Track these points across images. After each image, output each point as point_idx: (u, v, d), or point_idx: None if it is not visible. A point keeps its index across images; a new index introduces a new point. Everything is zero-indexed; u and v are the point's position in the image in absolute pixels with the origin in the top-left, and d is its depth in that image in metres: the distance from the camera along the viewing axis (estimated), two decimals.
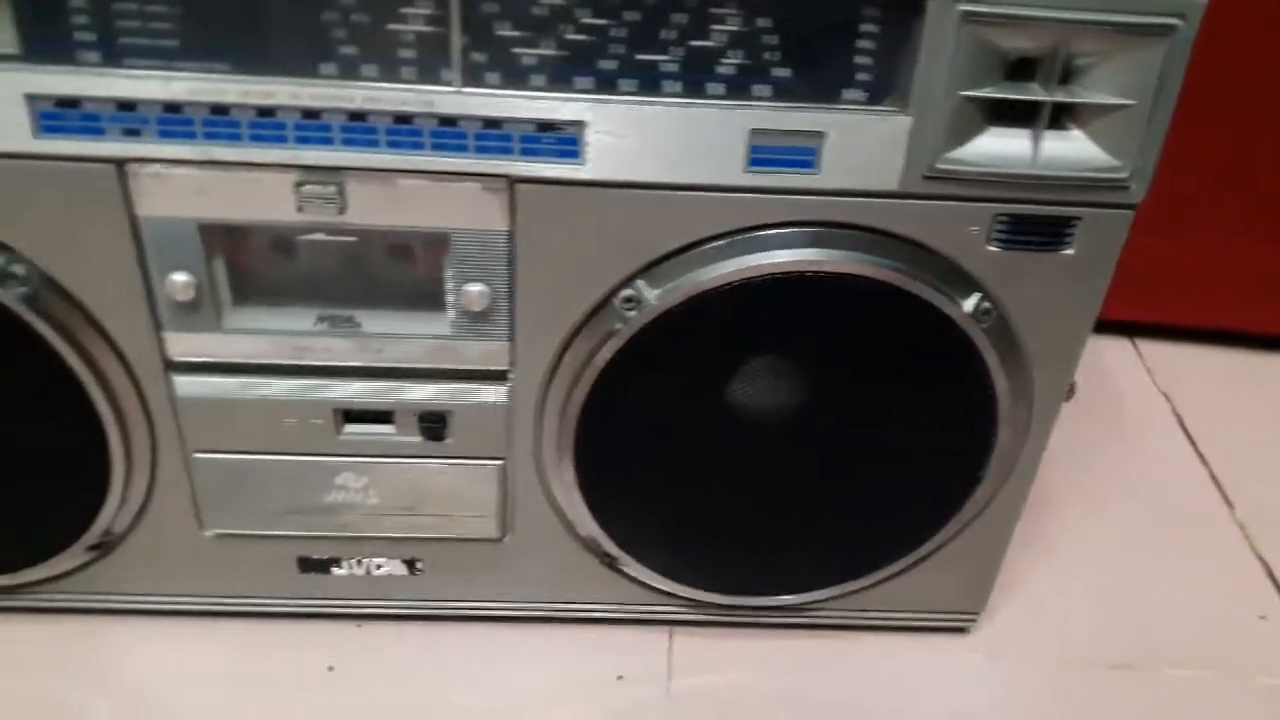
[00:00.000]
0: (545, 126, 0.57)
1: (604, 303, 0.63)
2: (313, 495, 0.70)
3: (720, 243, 0.61)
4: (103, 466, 0.67)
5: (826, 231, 0.61)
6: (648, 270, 0.62)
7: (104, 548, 0.72)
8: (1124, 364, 1.20)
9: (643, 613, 0.78)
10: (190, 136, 0.56)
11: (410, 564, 0.75)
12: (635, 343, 0.63)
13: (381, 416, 0.68)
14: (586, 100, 0.56)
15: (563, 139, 0.57)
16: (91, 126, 0.56)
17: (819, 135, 0.57)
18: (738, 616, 0.79)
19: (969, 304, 0.63)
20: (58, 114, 0.56)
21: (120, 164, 0.57)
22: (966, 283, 0.63)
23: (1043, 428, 0.70)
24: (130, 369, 0.64)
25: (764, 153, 0.58)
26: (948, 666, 0.80)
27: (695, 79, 0.56)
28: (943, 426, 0.68)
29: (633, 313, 0.62)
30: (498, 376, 0.67)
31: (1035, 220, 0.61)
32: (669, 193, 0.59)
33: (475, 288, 0.62)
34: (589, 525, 0.72)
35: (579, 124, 0.57)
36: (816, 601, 0.78)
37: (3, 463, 0.66)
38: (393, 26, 0.54)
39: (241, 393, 0.66)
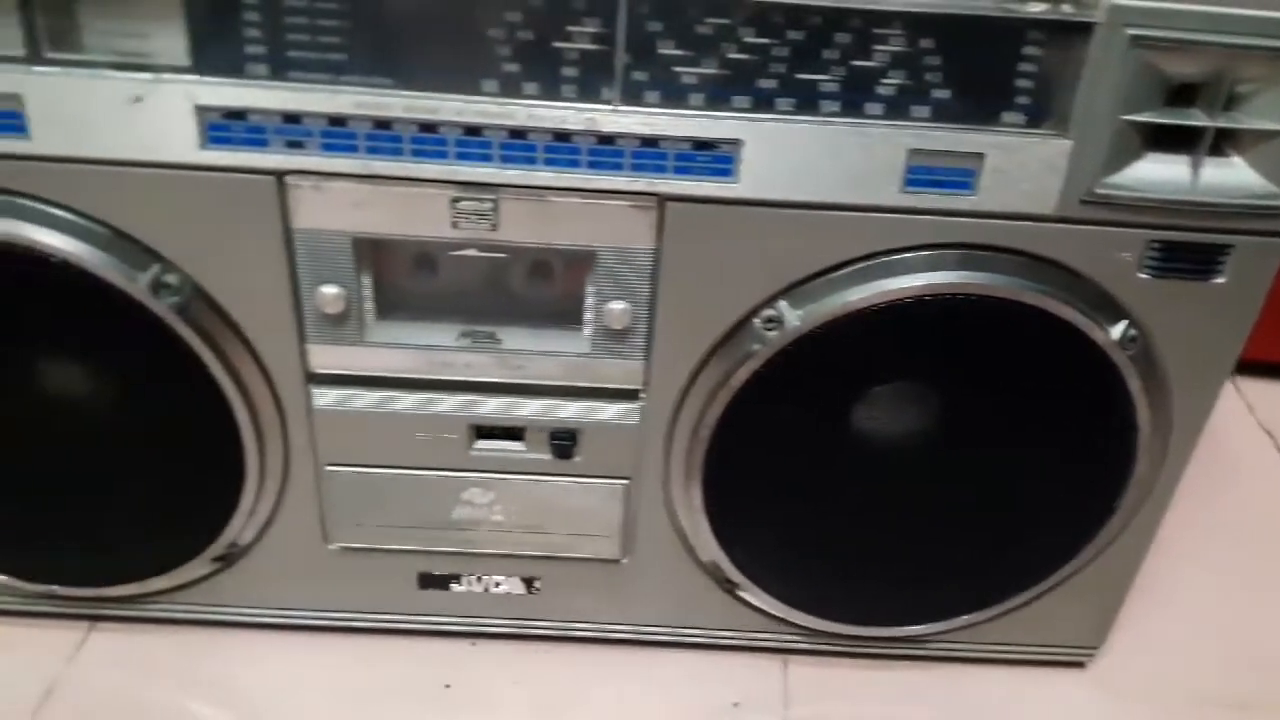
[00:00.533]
0: (701, 145, 0.57)
1: (743, 323, 0.63)
2: (439, 510, 0.70)
3: (866, 264, 0.61)
4: (236, 477, 0.67)
5: (975, 254, 0.60)
6: (790, 290, 0.62)
7: (228, 559, 0.73)
8: (1222, 400, 1.17)
9: (757, 640, 0.77)
10: (352, 150, 0.57)
11: (529, 582, 0.75)
12: (773, 364, 0.63)
13: (512, 433, 0.68)
14: (744, 119, 0.56)
15: (717, 157, 0.57)
16: (256, 138, 0.57)
17: (978, 157, 0.57)
18: (853, 646, 0.78)
19: (1116, 331, 0.62)
20: (224, 125, 0.56)
21: (281, 176, 0.58)
22: (1114, 309, 0.62)
23: (1179, 459, 0.69)
24: (271, 380, 0.65)
25: (921, 173, 0.58)
26: (1067, 702, 0.78)
27: (854, 99, 0.56)
28: (1080, 456, 0.67)
29: (773, 333, 0.62)
30: (630, 395, 0.66)
31: (1189, 247, 0.60)
32: (820, 212, 0.59)
33: (617, 305, 0.62)
34: (712, 549, 0.71)
35: (735, 142, 0.57)
36: (934, 633, 0.76)
37: (140, 471, 0.67)
38: (558, 45, 0.55)
39: (378, 406, 0.66)
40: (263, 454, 0.67)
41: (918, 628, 0.75)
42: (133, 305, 0.60)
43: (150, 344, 0.61)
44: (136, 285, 0.59)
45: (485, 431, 0.68)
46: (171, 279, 0.60)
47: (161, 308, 0.60)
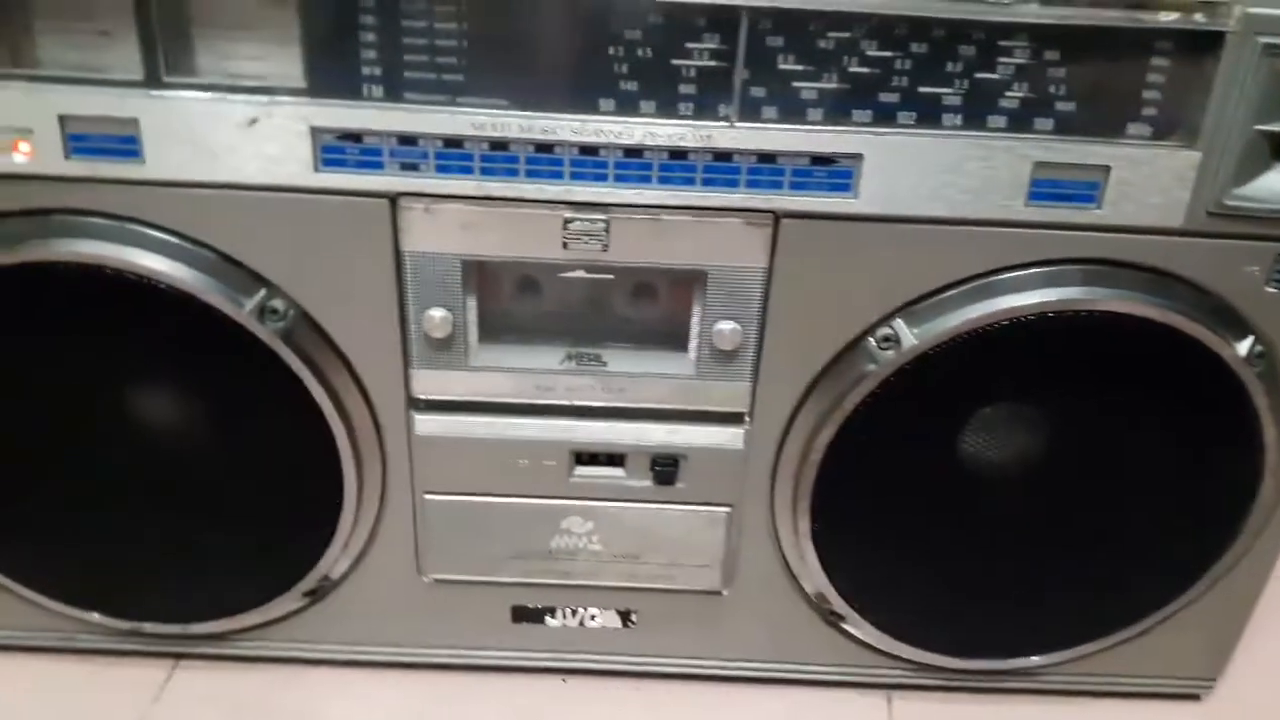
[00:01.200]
0: (819, 160, 0.56)
1: (856, 343, 0.61)
2: (537, 539, 0.69)
3: (986, 280, 0.59)
4: (334, 507, 0.66)
5: (1099, 269, 0.59)
6: (907, 308, 0.60)
7: (319, 593, 0.71)
8: None
9: (861, 675, 0.75)
10: (467, 171, 0.57)
11: (625, 616, 0.73)
12: (888, 386, 0.61)
13: (613, 459, 0.67)
14: (864, 133, 0.55)
15: (836, 172, 0.57)
16: (371, 160, 0.56)
17: (1104, 169, 0.56)
18: (960, 681, 0.75)
19: (1243, 347, 0.60)
20: (339, 147, 0.56)
21: (394, 198, 0.58)
22: (1240, 325, 0.60)
23: None
24: (372, 406, 0.64)
25: (1045, 187, 0.56)
26: None
27: (977, 111, 0.55)
28: (1203, 478, 0.65)
29: (889, 353, 0.60)
30: (736, 419, 0.65)
31: None
32: (940, 227, 0.58)
33: (726, 326, 0.61)
34: (817, 579, 0.69)
35: (854, 157, 0.56)
36: (1044, 666, 0.74)
37: (237, 501, 0.66)
38: (677, 62, 0.54)
39: (479, 432, 0.65)
40: (361, 482, 0.66)
41: (1027, 660, 0.73)
42: (237, 330, 0.59)
43: (254, 369, 0.61)
44: (242, 310, 0.59)
45: (586, 457, 0.67)
46: (278, 304, 0.60)
47: (266, 333, 0.60)
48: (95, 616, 0.71)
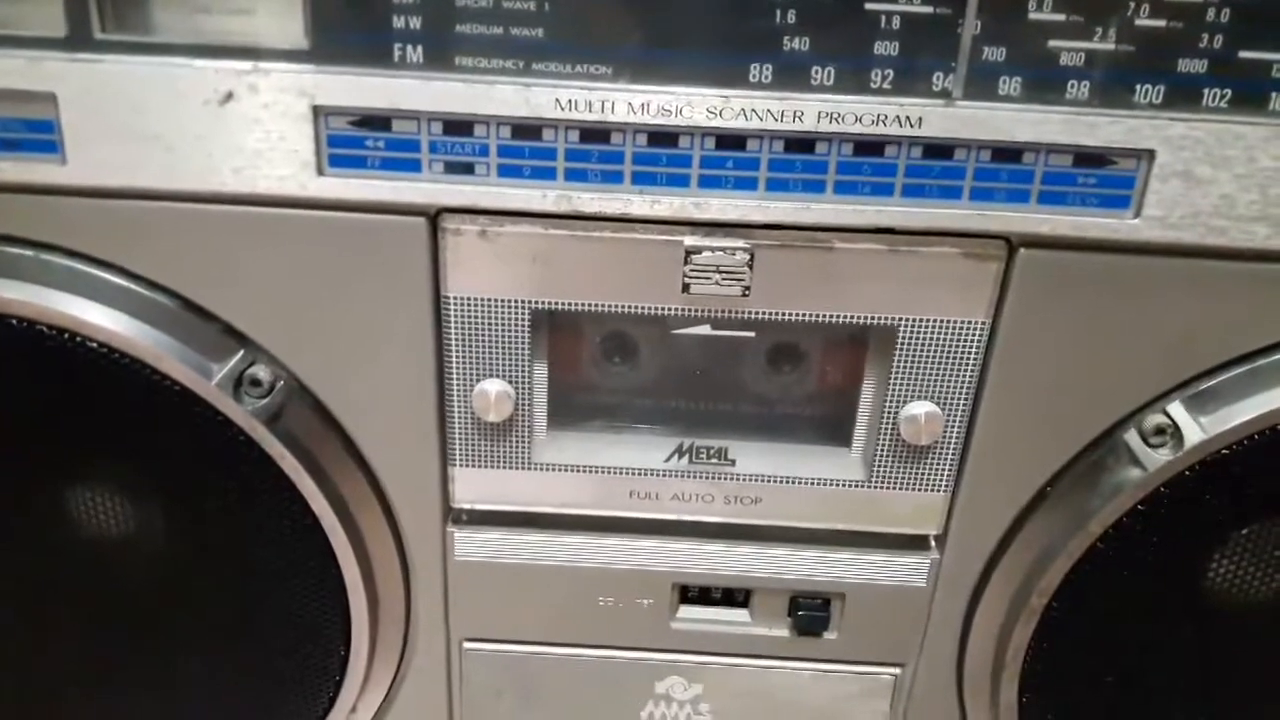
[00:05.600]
0: (1086, 158, 0.41)
1: (1110, 436, 0.46)
2: (621, 709, 0.54)
3: None
4: (336, 662, 0.51)
5: None
6: (1190, 386, 0.45)
7: None
8: None
9: None
10: (547, 176, 0.41)
11: None
12: (1160, 500, 0.45)
13: (734, 597, 0.51)
14: (1155, 118, 0.40)
15: (1109, 179, 0.41)
16: (402, 159, 0.41)
17: None
18: None
19: None
20: (355, 138, 0.41)
21: (434, 216, 0.42)
22: None
23: None
24: (395, 520, 0.50)
25: None
26: None
27: None
28: None
29: (1162, 452, 0.45)
30: (919, 544, 0.50)
31: None
32: (1259, 266, 0.42)
33: (920, 410, 0.45)
34: None
35: (1140, 155, 0.40)
36: None
37: (201, 652, 0.50)
38: (872, 6, 0.37)
39: (545, 556, 0.50)
40: (375, 626, 0.51)
41: None
42: (203, 410, 0.45)
43: (225, 466, 0.46)
44: (210, 382, 0.44)
45: (695, 595, 0.52)
46: (261, 373, 0.46)
47: (243, 415, 0.45)
48: None
